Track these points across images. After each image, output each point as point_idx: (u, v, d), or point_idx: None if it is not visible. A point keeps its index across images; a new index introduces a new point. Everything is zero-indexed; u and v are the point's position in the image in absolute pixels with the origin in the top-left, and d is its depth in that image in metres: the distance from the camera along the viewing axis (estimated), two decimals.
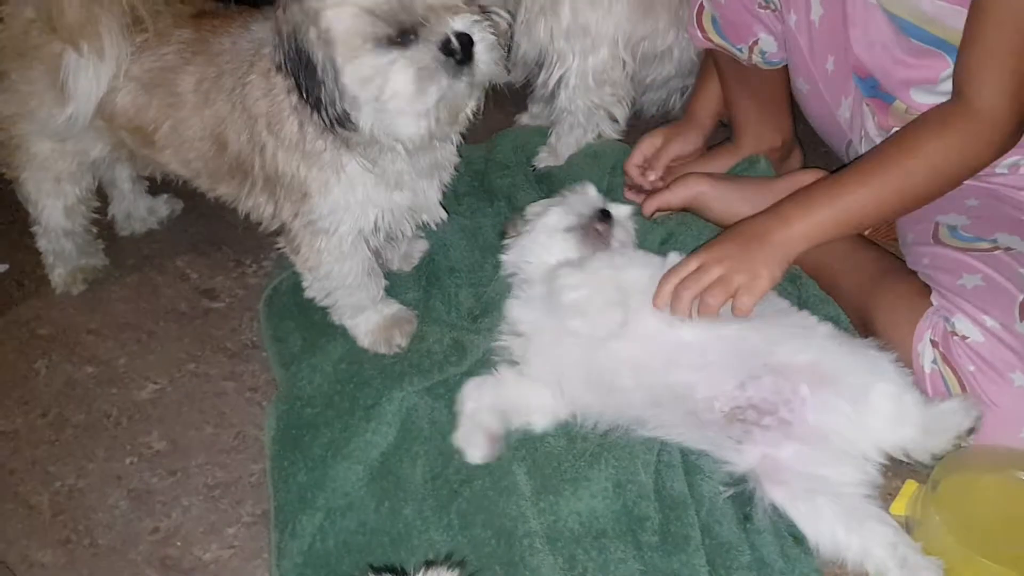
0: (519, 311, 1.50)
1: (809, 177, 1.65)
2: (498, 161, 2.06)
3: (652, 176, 1.83)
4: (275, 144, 1.39)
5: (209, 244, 1.94)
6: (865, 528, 1.22)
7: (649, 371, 1.37)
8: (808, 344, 1.35)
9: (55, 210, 1.74)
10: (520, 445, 1.43)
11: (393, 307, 1.61)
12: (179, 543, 1.39)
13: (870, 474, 1.29)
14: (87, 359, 1.70)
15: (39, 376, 1.68)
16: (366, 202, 1.42)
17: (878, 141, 1.67)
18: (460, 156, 1.57)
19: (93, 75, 1.46)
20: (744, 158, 1.87)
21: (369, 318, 1.57)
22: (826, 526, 1.24)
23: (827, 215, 1.46)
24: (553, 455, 1.41)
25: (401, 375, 1.52)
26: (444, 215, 1.57)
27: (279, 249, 1.53)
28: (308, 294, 1.56)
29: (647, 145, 1.85)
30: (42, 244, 1.82)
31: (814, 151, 2.03)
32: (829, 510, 1.24)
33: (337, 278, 1.50)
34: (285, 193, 1.43)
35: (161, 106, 1.51)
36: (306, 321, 1.66)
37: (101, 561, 1.37)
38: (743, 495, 1.31)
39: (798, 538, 1.28)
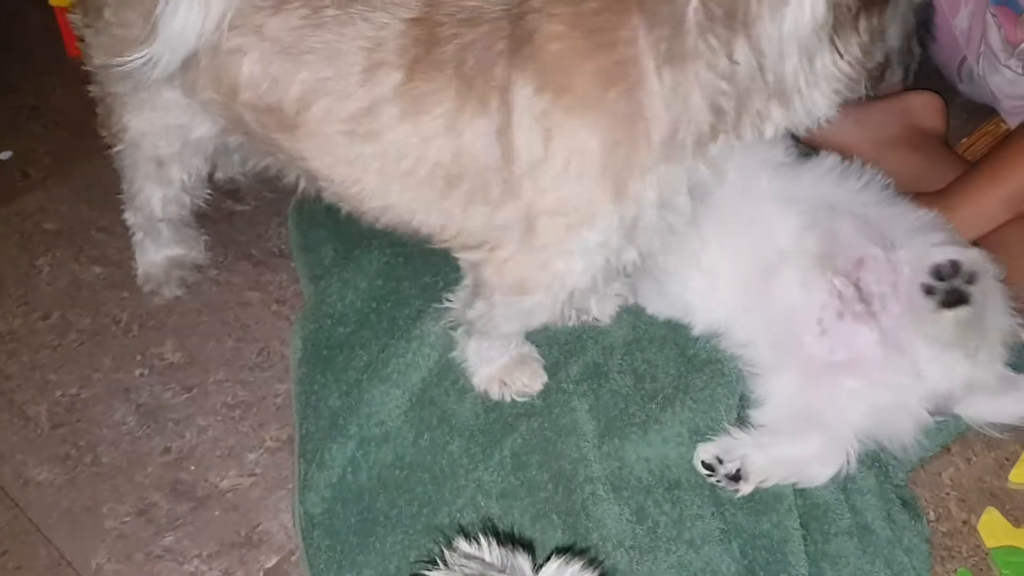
0: None
1: (919, 100, 1.52)
2: None
3: None
4: None
5: None
6: None
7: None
8: None
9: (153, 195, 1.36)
10: (582, 379, 1.25)
11: (525, 347, 1.27)
12: (193, 467, 1.23)
13: None
14: (96, 259, 1.52)
15: (42, 275, 1.50)
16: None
17: (1001, 58, 1.48)
18: None
19: (197, 9, 1.01)
20: None
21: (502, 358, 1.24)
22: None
23: (993, 200, 1.34)
24: (620, 394, 1.24)
25: (444, 293, 1.34)
26: None
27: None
28: (470, 315, 1.17)
29: None
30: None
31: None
32: None
33: (539, 309, 1.13)
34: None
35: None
36: (339, 230, 1.47)
37: (104, 482, 1.22)
38: None
39: (906, 501, 1.11)
